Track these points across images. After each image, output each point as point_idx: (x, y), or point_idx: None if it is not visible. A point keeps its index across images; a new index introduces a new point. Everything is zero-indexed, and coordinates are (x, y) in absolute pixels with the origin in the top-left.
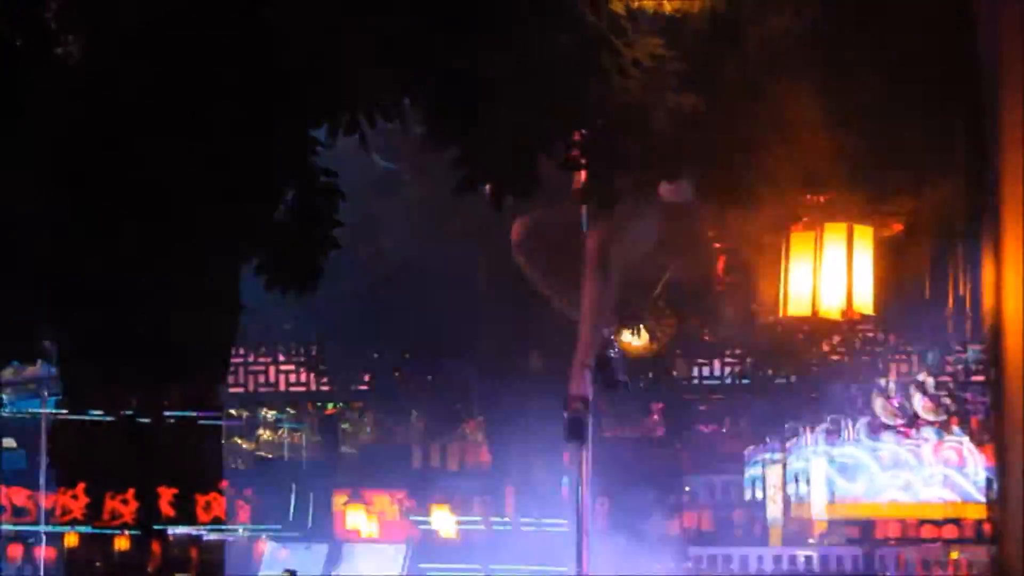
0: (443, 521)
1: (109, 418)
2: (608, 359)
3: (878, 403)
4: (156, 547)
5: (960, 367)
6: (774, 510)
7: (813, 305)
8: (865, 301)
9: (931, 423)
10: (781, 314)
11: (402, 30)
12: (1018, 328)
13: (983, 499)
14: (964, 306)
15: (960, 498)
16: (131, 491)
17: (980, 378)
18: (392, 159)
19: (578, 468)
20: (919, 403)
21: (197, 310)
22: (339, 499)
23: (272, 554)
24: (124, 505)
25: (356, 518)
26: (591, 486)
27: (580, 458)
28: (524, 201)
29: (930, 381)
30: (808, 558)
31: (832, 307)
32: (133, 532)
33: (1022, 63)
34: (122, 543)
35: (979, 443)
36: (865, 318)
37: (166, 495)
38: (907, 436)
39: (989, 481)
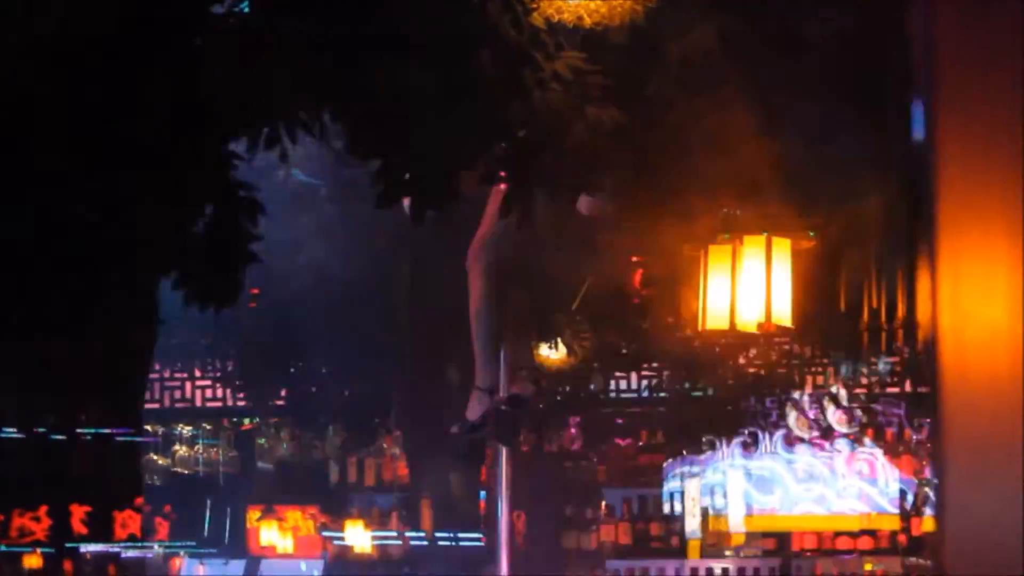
0: (357, 536)
1: (20, 435)
2: (500, 414)
3: (792, 416)
4: (68, 565)
5: (875, 379)
6: (691, 523)
7: (731, 318)
8: (783, 313)
9: (845, 435)
10: (700, 328)
11: (323, 47)
12: (953, 340)
13: (896, 510)
14: (879, 318)
15: (873, 510)
16: (43, 508)
17: (895, 389)
18: (311, 173)
19: (495, 482)
20: (833, 415)
21: (114, 326)
22: (253, 515)
23: (189, 570)
24: (36, 523)
25: (270, 534)
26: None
27: (498, 472)
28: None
29: (843, 393)
30: (725, 570)
31: (750, 320)
32: (45, 550)
33: (957, 69)
34: (32, 561)
35: (893, 455)
36: (781, 330)
37: (78, 513)
38: (822, 448)
39: (903, 492)
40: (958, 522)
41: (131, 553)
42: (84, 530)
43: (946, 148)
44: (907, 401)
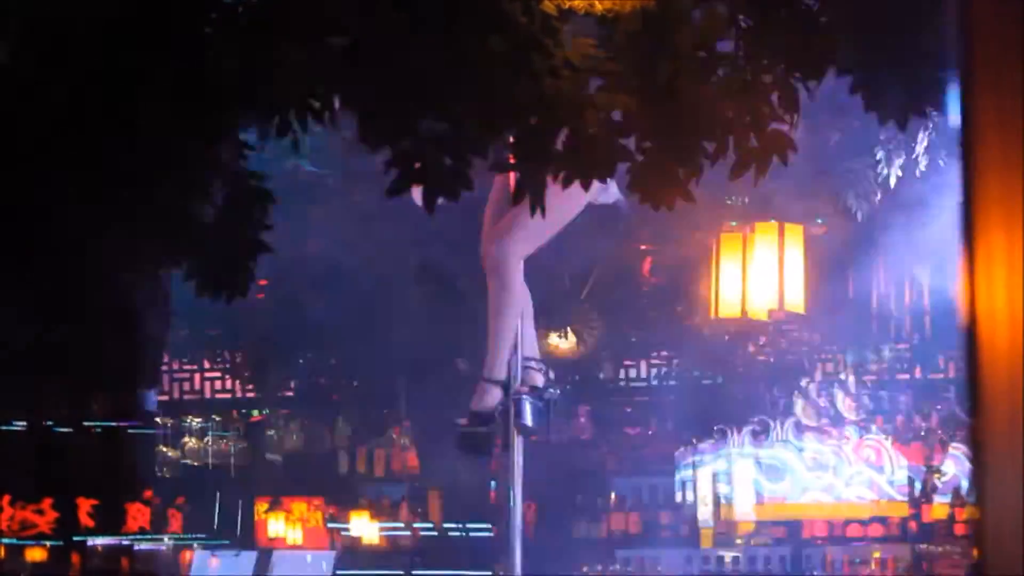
0: (363, 527)
1: (25, 428)
2: (520, 404)
3: (799, 404)
4: (75, 558)
5: (884, 366)
6: (701, 511)
7: (743, 305)
8: (796, 300)
9: (856, 423)
10: (713, 315)
11: (332, 34)
12: (993, 328)
13: (904, 498)
14: (888, 304)
15: (882, 497)
16: (46, 501)
17: (905, 376)
18: (319, 163)
19: (507, 472)
20: (842, 403)
21: (125, 318)
22: (260, 507)
23: (201, 562)
24: (39, 516)
25: (277, 526)
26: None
27: (509, 463)
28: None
29: (852, 380)
30: (736, 559)
31: (763, 307)
32: (49, 543)
33: (996, 47)
34: (36, 554)
35: (903, 442)
36: (792, 317)
37: (85, 505)
38: (831, 436)
39: (911, 480)
40: (997, 508)
41: (143, 546)
42: (91, 523)
43: (982, 131)
44: (915, 388)
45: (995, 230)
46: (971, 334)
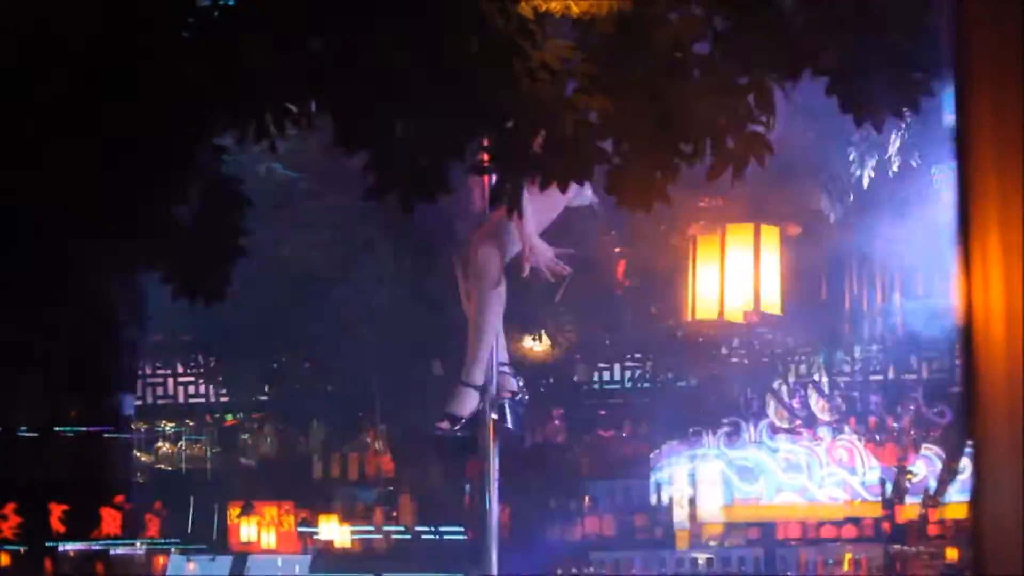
0: (333, 531)
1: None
2: (503, 408)
3: (771, 406)
4: (47, 564)
5: (857, 367)
6: (676, 513)
7: (720, 307)
8: (773, 301)
9: (829, 424)
10: (690, 317)
11: (310, 37)
12: (989, 327)
13: (877, 498)
14: (861, 306)
15: (854, 498)
16: (9, 507)
17: (878, 377)
18: (292, 167)
19: (482, 475)
20: (815, 404)
21: (101, 323)
22: (233, 511)
23: (177, 566)
24: (2, 521)
25: (249, 530)
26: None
27: (485, 466)
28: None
29: (825, 382)
30: (709, 560)
31: (739, 309)
32: (12, 548)
33: (993, 42)
34: (2, 559)
35: (876, 443)
36: (765, 319)
37: (56, 511)
38: (805, 437)
39: (883, 481)
40: (995, 508)
41: (118, 550)
42: (62, 528)
43: (978, 128)
44: (887, 389)
45: (991, 229)
46: (968, 334)
